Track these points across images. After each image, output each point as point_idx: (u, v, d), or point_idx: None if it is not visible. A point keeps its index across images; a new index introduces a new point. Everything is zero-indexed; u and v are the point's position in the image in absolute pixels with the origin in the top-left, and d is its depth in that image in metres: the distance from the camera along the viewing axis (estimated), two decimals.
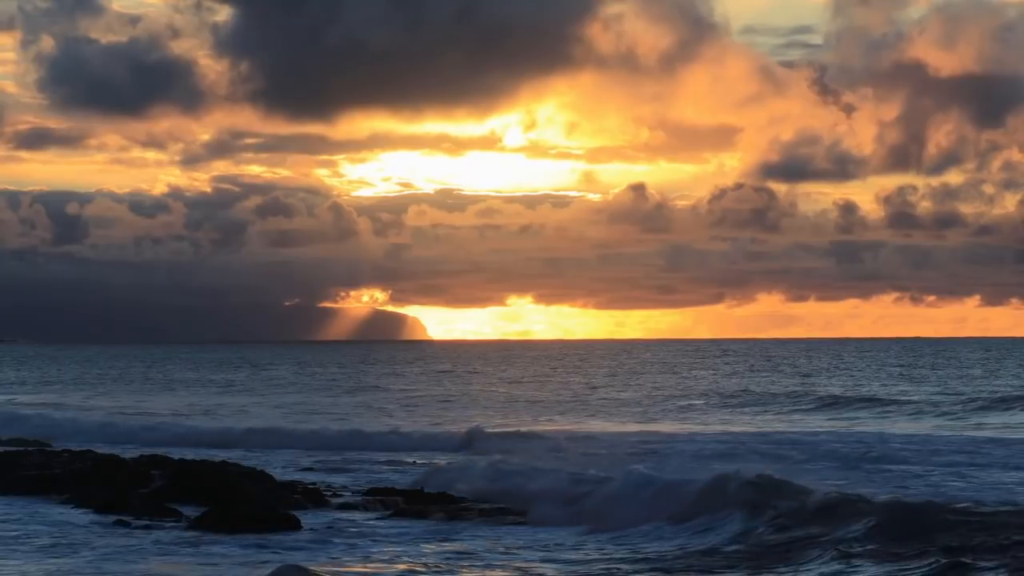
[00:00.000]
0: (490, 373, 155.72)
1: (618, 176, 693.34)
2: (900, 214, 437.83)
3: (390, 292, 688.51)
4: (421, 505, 35.51)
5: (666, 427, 68.67)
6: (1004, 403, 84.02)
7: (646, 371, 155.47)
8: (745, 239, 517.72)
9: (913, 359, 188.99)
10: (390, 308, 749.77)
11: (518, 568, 26.94)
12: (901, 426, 68.94)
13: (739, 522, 29.95)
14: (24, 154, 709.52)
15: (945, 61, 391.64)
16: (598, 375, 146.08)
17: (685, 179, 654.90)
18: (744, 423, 72.36)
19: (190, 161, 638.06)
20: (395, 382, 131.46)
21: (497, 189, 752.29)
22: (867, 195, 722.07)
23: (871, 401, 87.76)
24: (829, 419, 74.60)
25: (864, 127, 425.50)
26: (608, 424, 71.73)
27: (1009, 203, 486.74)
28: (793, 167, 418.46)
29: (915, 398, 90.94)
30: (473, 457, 46.82)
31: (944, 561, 24.49)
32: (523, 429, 63.86)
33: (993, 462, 47.22)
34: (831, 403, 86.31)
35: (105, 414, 79.94)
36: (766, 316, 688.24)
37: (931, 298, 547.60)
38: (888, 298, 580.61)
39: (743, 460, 46.01)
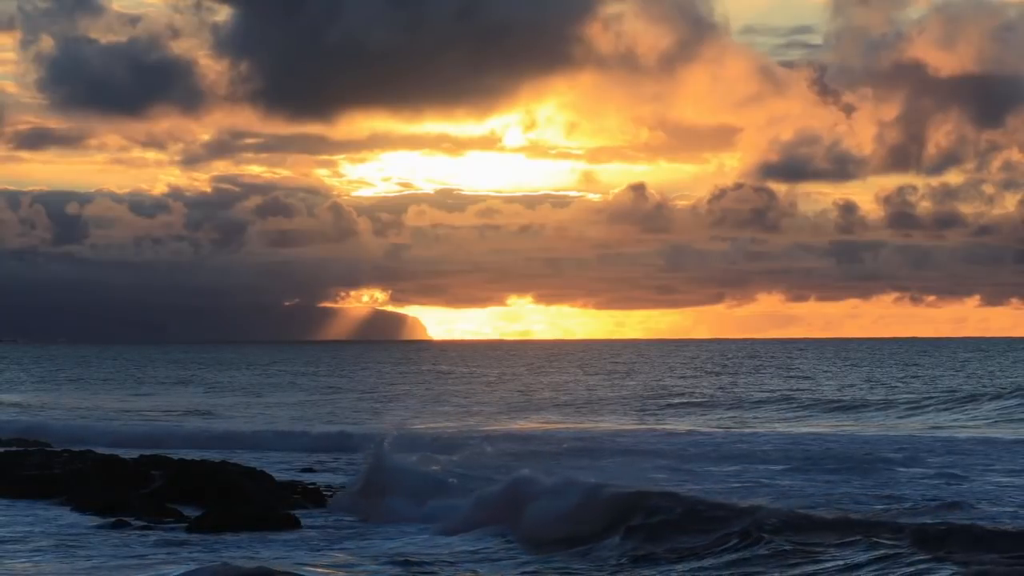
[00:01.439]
0: (480, 374, 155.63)
1: (618, 176, 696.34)
2: (900, 214, 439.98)
3: (390, 292, 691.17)
4: None
5: (626, 426, 68.41)
6: (973, 400, 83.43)
7: (630, 371, 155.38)
8: (745, 239, 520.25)
9: (908, 358, 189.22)
10: (390, 308, 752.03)
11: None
12: (878, 426, 68.66)
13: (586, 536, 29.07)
14: (24, 154, 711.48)
15: (945, 61, 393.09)
16: (578, 375, 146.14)
17: (685, 179, 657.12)
18: (712, 424, 71.87)
19: (190, 161, 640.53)
20: (390, 382, 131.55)
21: (497, 189, 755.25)
22: (867, 195, 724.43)
23: (851, 401, 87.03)
24: (800, 420, 73.95)
25: (864, 127, 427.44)
26: (571, 423, 71.41)
27: (1009, 203, 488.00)
28: (793, 167, 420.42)
29: (891, 397, 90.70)
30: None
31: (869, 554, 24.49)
32: (481, 429, 63.91)
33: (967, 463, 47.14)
34: (811, 404, 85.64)
35: (104, 414, 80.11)
36: (766, 316, 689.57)
37: (931, 298, 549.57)
38: (888, 298, 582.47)
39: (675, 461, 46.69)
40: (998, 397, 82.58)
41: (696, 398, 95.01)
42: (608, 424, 71.11)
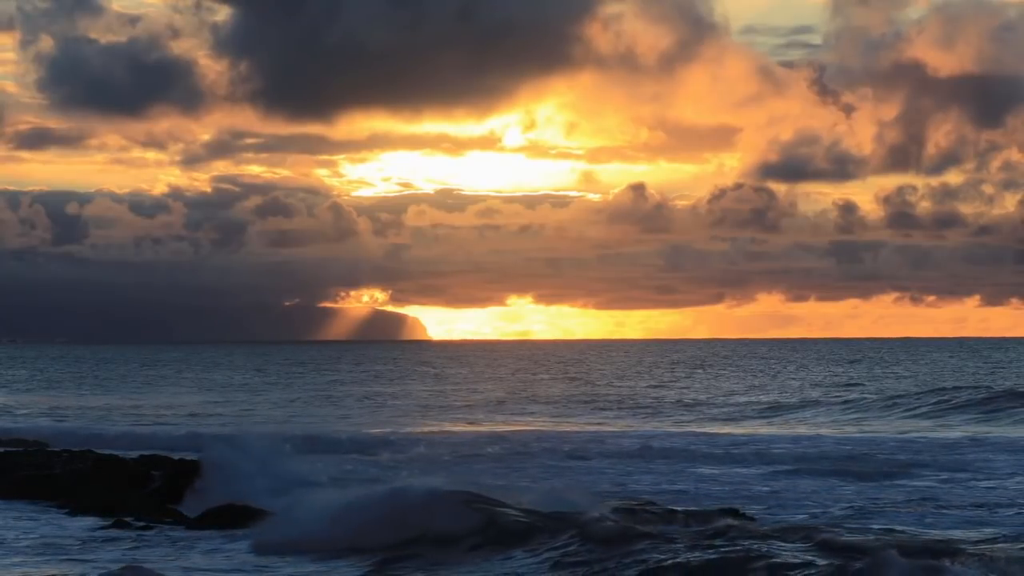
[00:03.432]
0: (474, 375, 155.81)
1: (618, 176, 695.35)
2: (900, 214, 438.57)
3: (390, 292, 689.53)
4: None
5: (569, 427, 68.60)
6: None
7: (613, 372, 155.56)
8: (745, 239, 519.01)
9: (901, 357, 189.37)
10: (390, 308, 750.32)
11: None
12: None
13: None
14: (24, 154, 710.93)
15: (944, 61, 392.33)
16: (554, 375, 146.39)
17: (685, 179, 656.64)
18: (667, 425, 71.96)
19: (190, 161, 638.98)
20: (381, 383, 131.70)
21: (497, 189, 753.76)
22: (867, 195, 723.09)
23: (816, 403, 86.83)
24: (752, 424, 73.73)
25: (863, 127, 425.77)
26: (526, 424, 71.66)
27: (1009, 203, 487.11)
28: (793, 167, 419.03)
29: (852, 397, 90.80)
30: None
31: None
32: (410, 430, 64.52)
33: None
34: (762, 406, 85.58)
35: (103, 414, 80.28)
36: (766, 316, 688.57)
37: (931, 298, 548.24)
38: (888, 298, 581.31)
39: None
40: (988, 396, 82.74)
41: (666, 399, 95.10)
42: (570, 425, 71.24)
